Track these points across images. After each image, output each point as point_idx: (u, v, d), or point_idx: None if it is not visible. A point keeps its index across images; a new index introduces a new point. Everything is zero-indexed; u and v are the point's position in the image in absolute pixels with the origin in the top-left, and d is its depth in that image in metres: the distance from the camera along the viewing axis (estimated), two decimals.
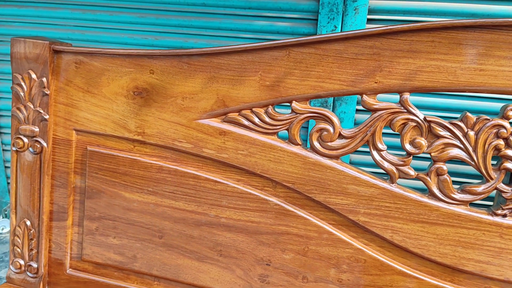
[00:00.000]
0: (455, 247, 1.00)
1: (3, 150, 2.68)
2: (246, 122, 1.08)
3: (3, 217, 3.04)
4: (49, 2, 2.15)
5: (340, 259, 1.07)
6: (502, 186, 0.97)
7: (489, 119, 0.96)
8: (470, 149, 0.97)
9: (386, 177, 1.04)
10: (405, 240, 1.03)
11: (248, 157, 1.09)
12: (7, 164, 2.80)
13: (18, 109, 1.19)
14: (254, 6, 1.92)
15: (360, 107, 1.90)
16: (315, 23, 1.89)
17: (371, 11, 1.83)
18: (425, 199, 1.01)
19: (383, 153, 1.02)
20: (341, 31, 1.87)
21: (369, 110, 1.01)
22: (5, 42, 2.26)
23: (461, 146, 0.97)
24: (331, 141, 1.04)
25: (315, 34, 1.88)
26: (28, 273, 1.26)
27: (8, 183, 2.92)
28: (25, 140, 1.20)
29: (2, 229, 3.07)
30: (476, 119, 0.96)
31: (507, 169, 0.96)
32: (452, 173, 1.00)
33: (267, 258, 1.12)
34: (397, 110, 0.99)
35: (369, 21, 1.84)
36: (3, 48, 2.25)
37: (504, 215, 0.99)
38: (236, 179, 1.12)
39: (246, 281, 1.14)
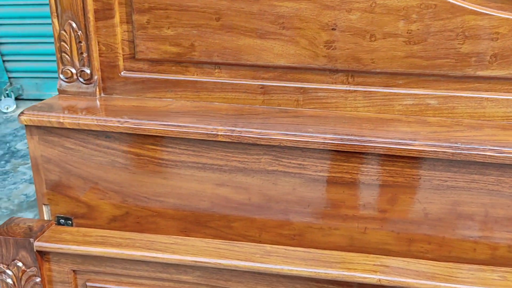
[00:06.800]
0: None
1: None
2: None
3: (4, 97, 2.93)
4: None
5: (410, 9, 1.06)
6: None
7: None
8: None
9: None
10: None
11: None
12: (2, 40, 2.63)
13: None
14: None
15: None
16: None
17: None
18: None
19: None
20: None
21: None
22: None
23: None
24: None
25: None
26: (81, 79, 1.22)
27: (4, 61, 2.77)
28: None
29: (7, 108, 2.97)
30: None
31: None
32: None
33: (332, 22, 1.10)
34: None
35: None
36: None
37: None
38: None
39: (312, 51, 1.13)
